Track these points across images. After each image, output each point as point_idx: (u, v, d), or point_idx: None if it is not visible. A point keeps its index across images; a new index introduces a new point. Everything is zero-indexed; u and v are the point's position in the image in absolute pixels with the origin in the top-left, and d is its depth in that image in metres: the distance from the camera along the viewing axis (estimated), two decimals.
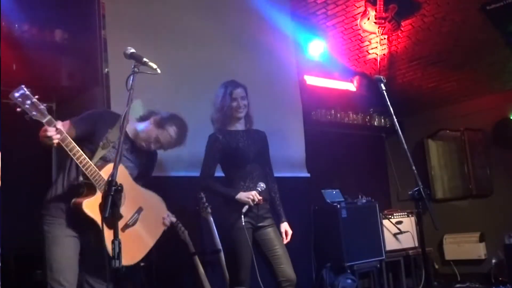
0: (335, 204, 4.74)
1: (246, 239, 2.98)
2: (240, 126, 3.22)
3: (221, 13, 4.74)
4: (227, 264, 3.20)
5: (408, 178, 2.81)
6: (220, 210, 3.19)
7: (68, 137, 2.28)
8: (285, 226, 3.26)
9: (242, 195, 3.01)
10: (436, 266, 6.33)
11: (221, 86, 3.26)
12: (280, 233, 3.20)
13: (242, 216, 2.95)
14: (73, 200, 2.41)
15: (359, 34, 5.56)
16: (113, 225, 1.93)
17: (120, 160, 2.01)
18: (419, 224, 2.61)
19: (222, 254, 3.87)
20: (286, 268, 3.08)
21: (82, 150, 2.34)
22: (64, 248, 2.45)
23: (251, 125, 3.27)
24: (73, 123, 2.45)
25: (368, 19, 5.17)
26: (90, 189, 2.38)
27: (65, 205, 2.47)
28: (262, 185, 3.04)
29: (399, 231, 5.34)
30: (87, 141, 2.51)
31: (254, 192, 2.99)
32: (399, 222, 5.41)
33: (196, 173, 4.28)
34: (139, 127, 2.71)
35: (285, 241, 3.20)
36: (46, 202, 2.53)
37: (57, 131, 2.22)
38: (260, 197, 3.00)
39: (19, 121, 2.60)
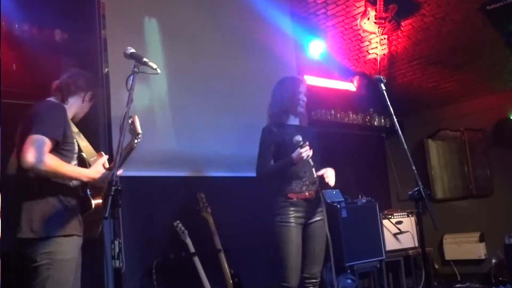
0: (335, 204, 4.73)
1: (296, 234, 3.00)
2: (294, 121, 3.26)
3: (221, 13, 4.74)
4: (275, 259, 3.13)
5: (408, 178, 2.81)
6: (269, 205, 3.16)
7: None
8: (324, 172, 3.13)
9: (295, 154, 2.95)
10: (436, 266, 6.33)
11: (285, 81, 3.33)
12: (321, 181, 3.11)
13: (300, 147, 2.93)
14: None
15: (359, 34, 5.56)
16: (113, 225, 1.93)
17: (120, 159, 2.01)
18: (419, 224, 2.61)
19: (222, 254, 3.88)
20: (314, 266, 3.08)
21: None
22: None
23: (304, 123, 3.31)
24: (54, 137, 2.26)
25: (368, 19, 5.17)
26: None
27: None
28: (297, 138, 2.98)
29: (399, 231, 5.33)
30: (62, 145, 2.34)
31: (304, 149, 2.93)
32: (399, 222, 5.40)
33: (196, 173, 4.30)
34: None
35: (330, 181, 3.10)
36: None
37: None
38: (309, 150, 2.94)
39: (19, 121, 2.61)
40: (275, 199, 3.12)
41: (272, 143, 3.15)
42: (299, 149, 2.95)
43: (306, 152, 2.94)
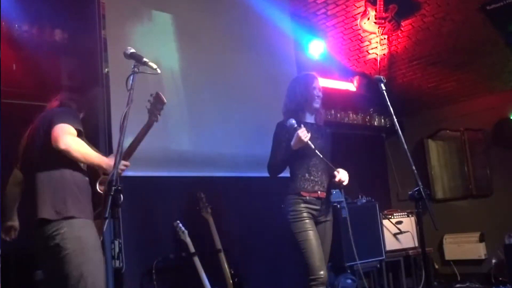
0: (335, 204, 4.73)
1: (312, 226, 2.98)
2: (310, 118, 3.24)
3: (221, 13, 4.74)
4: (299, 256, 3.04)
5: (408, 178, 2.82)
6: (283, 202, 3.11)
7: None
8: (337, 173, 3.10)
9: (295, 139, 2.93)
10: (436, 266, 6.33)
11: (299, 78, 3.34)
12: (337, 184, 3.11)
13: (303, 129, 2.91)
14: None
15: (359, 34, 5.56)
16: (113, 225, 1.93)
17: (120, 159, 2.01)
18: (419, 224, 2.61)
19: (222, 254, 3.88)
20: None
21: None
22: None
23: (319, 121, 3.28)
24: (77, 128, 2.42)
25: (368, 19, 5.16)
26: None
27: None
28: (290, 121, 2.98)
29: (399, 231, 5.33)
30: None
31: (300, 130, 2.91)
32: (399, 222, 5.40)
33: (197, 173, 4.30)
34: None
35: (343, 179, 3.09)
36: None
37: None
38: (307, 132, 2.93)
39: (19, 121, 2.61)
40: (287, 197, 3.08)
41: (284, 140, 3.10)
42: (296, 133, 2.92)
43: (303, 133, 2.91)
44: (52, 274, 2.35)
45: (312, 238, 2.96)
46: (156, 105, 2.47)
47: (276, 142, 3.17)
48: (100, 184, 2.54)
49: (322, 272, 2.90)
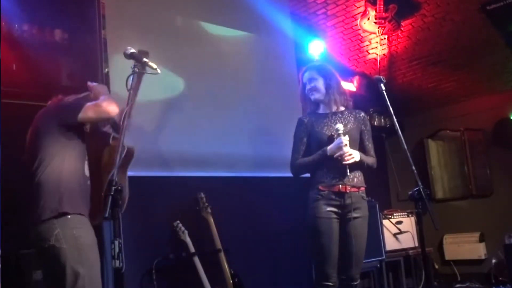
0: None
1: (331, 229, 2.82)
2: (327, 108, 3.07)
3: (221, 13, 4.74)
4: (313, 257, 2.93)
5: (408, 178, 2.81)
6: (307, 200, 2.95)
7: None
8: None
9: (332, 147, 2.84)
10: (436, 266, 6.33)
11: (301, 74, 3.22)
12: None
13: (342, 136, 2.82)
14: None
15: (359, 34, 5.56)
16: (113, 225, 1.93)
17: (120, 159, 2.01)
18: (419, 224, 2.61)
19: (222, 254, 3.88)
20: (352, 267, 2.87)
21: None
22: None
23: (338, 107, 3.07)
24: None
25: (368, 19, 5.16)
26: None
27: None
28: (338, 126, 2.86)
29: (399, 231, 5.33)
30: None
31: (340, 140, 2.80)
32: (399, 222, 5.40)
33: (197, 173, 4.30)
34: None
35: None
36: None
37: None
38: (347, 140, 2.82)
39: (19, 121, 2.61)
40: (309, 192, 2.94)
41: (304, 135, 3.01)
42: (338, 140, 2.82)
43: (346, 141, 2.80)
44: (50, 274, 2.35)
45: (328, 242, 2.81)
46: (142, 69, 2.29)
47: (298, 139, 3.04)
48: None
49: (333, 279, 2.79)
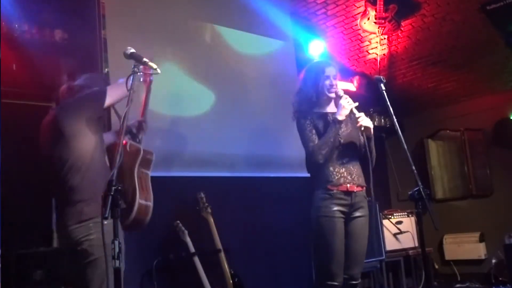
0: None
1: (339, 228, 2.77)
2: (330, 108, 2.98)
3: (221, 13, 4.74)
4: (317, 257, 2.87)
5: (408, 178, 2.81)
6: (311, 198, 2.89)
7: None
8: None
9: (340, 110, 2.79)
10: (436, 266, 6.33)
11: (311, 66, 3.09)
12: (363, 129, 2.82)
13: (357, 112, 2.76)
14: None
15: (359, 34, 5.56)
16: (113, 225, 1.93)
17: (120, 159, 2.01)
18: (419, 224, 2.60)
19: (222, 254, 3.88)
20: (354, 266, 2.84)
21: None
22: None
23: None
24: None
25: (368, 19, 5.16)
26: None
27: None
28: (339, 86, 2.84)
29: (399, 231, 5.33)
30: None
31: (343, 99, 2.79)
32: (399, 222, 5.40)
33: (197, 173, 4.29)
34: None
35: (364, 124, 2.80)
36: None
37: None
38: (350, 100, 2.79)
39: (19, 121, 2.61)
40: (314, 192, 2.87)
41: (311, 124, 2.89)
42: (339, 102, 2.76)
43: (347, 100, 2.75)
44: (75, 276, 2.36)
45: (338, 243, 2.77)
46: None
47: (307, 131, 2.88)
48: None
49: (339, 279, 2.75)
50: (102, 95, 2.39)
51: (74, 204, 2.30)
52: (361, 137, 2.85)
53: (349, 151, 2.90)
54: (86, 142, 2.36)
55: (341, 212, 2.82)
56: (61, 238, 2.39)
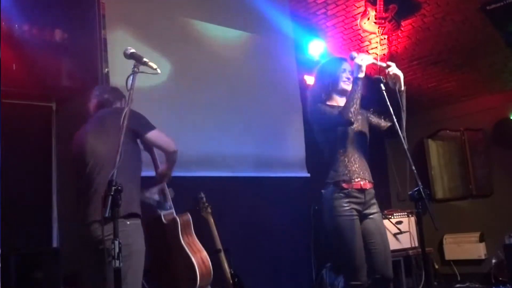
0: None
1: (357, 227, 2.70)
2: (341, 102, 2.97)
3: (221, 13, 4.75)
4: (337, 259, 2.87)
5: (408, 178, 2.81)
6: (327, 198, 2.81)
7: None
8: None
9: (357, 69, 2.85)
10: (436, 266, 6.33)
11: (330, 60, 3.17)
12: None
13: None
14: None
15: (359, 34, 5.56)
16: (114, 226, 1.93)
17: (120, 159, 2.00)
18: (419, 224, 2.60)
19: (222, 254, 3.88)
20: (384, 264, 2.75)
21: None
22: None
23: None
24: None
25: (368, 19, 5.16)
26: None
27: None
28: (352, 54, 2.86)
29: (399, 231, 5.33)
30: None
31: (357, 58, 2.82)
32: (399, 222, 5.40)
33: (197, 173, 4.29)
34: None
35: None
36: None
37: None
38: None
39: (19, 121, 2.61)
40: (326, 189, 2.81)
41: (325, 95, 2.95)
42: (355, 62, 2.79)
43: (361, 58, 2.79)
44: (93, 274, 2.35)
45: (357, 241, 2.69)
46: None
47: (327, 108, 2.90)
48: None
49: (363, 279, 2.68)
50: (150, 125, 2.62)
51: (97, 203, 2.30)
52: (395, 87, 2.92)
53: (360, 147, 2.92)
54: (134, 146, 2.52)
55: (356, 210, 2.75)
56: (81, 236, 2.38)
